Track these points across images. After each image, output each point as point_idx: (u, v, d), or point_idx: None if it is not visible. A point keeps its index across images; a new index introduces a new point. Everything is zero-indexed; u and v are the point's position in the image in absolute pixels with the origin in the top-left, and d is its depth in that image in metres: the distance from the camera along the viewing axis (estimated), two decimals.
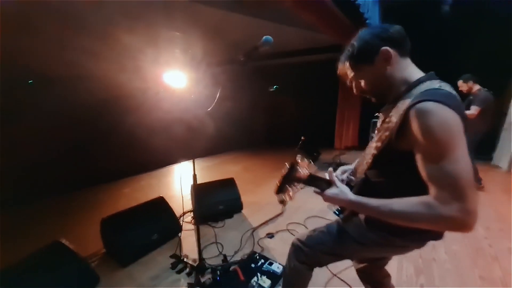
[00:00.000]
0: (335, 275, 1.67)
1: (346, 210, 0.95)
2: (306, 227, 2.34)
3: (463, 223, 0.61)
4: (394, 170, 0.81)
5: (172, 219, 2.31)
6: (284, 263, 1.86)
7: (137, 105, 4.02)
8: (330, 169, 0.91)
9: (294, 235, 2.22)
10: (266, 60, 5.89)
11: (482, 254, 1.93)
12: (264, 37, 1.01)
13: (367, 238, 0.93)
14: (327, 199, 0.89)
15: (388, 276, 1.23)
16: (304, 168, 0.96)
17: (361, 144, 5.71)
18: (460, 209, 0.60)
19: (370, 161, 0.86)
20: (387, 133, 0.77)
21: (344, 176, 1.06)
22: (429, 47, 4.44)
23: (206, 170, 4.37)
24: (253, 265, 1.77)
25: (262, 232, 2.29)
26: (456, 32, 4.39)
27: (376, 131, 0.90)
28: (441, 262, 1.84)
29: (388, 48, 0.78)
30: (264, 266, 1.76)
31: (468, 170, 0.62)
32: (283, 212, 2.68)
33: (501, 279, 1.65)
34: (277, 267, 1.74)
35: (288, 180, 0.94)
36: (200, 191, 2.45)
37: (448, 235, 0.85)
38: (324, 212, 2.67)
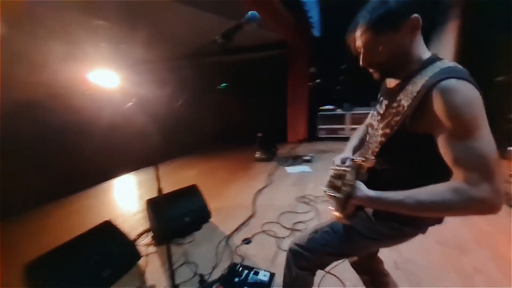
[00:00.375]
0: (328, 272, 1.63)
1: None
2: (282, 225, 2.26)
3: (493, 204, 0.58)
4: (405, 156, 0.76)
5: (126, 246, 1.88)
6: (268, 267, 1.76)
7: (63, 107, 3.21)
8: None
9: (272, 236, 2.11)
10: (214, 57, 5.64)
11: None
12: (249, 12, 0.83)
13: (377, 232, 0.87)
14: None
15: (382, 262, 1.23)
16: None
17: (310, 136, 6.09)
18: (491, 190, 0.57)
19: (377, 149, 0.80)
20: (397, 118, 0.72)
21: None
22: None
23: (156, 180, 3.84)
24: (237, 279, 1.58)
25: (237, 239, 2.10)
26: None
27: (378, 117, 0.84)
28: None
29: (419, 16, 0.68)
30: (250, 277, 1.59)
31: (494, 148, 0.60)
32: (254, 213, 2.54)
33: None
34: (263, 275, 1.59)
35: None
36: (158, 204, 2.09)
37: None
38: (295, 206, 2.66)
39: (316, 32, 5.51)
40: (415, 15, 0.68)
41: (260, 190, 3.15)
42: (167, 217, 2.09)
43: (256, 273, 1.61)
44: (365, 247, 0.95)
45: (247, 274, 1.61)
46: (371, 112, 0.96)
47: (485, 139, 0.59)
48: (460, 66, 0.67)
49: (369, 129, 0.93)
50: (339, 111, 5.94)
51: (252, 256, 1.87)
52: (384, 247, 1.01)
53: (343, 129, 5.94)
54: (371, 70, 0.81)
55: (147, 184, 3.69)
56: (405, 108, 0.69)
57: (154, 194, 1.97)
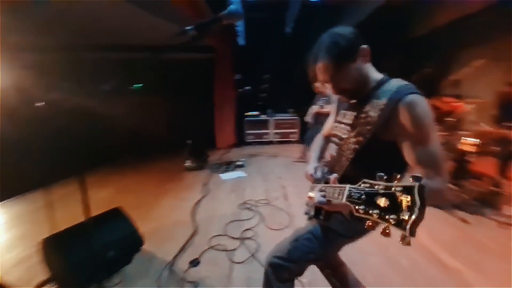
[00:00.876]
0: None
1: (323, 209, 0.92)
2: (230, 237, 2.13)
3: (444, 192, 0.75)
4: (375, 160, 0.83)
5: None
6: (225, 284, 1.58)
7: None
8: (335, 175, 0.79)
9: (222, 250, 1.95)
10: (125, 53, 4.83)
11: None
12: (231, 6, 0.71)
13: (352, 230, 0.94)
14: (334, 208, 0.81)
15: (338, 253, 1.34)
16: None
17: (239, 141, 6.18)
18: (442, 181, 0.73)
19: (351, 156, 0.86)
20: (368, 127, 0.81)
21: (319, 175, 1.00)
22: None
23: (55, 207, 2.83)
24: None
25: (183, 263, 1.81)
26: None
27: (348, 127, 0.91)
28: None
29: (367, 46, 0.82)
30: None
31: (441, 148, 0.76)
32: (197, 229, 2.29)
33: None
34: None
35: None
36: (62, 242, 1.55)
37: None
38: (238, 213, 2.59)
39: (241, 40, 5.68)
40: (364, 46, 0.82)
41: (197, 202, 2.88)
42: (80, 257, 1.56)
43: None
44: (342, 245, 1.00)
45: None
46: (335, 124, 1.02)
47: (436, 141, 0.75)
48: (409, 83, 0.81)
49: (336, 139, 0.98)
50: (263, 117, 6.33)
51: (206, 278, 1.65)
52: (354, 241, 1.09)
53: (267, 133, 6.36)
54: (340, 96, 0.93)
55: (33, 217, 2.68)
56: (375, 119, 0.78)
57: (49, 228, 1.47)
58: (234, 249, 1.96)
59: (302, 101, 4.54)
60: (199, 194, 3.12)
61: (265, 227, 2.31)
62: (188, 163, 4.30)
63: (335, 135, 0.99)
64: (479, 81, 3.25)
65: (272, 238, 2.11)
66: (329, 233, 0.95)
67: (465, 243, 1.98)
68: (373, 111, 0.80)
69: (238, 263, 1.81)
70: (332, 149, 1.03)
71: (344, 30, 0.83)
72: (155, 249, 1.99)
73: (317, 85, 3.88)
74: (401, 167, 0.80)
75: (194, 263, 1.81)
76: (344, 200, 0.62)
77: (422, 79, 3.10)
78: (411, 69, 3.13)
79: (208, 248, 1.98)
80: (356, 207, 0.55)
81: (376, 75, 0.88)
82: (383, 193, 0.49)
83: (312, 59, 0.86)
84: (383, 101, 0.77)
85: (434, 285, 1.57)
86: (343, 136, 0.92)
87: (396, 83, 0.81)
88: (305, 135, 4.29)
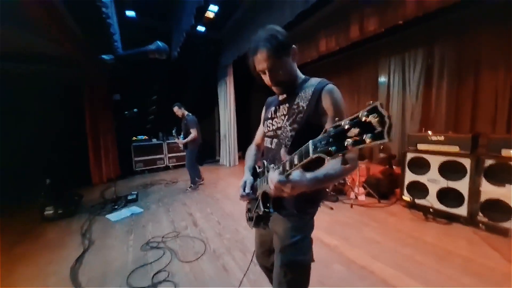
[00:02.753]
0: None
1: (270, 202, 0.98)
2: None
3: (356, 168, 1.03)
4: (301, 139, 0.88)
5: None
6: None
7: None
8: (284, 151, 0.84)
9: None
10: None
11: None
12: (157, 41, 0.70)
13: (309, 212, 1.06)
14: (294, 186, 0.79)
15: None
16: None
17: (125, 172, 5.25)
18: (355, 158, 0.89)
19: (290, 142, 0.98)
20: (301, 115, 0.96)
21: (248, 189, 1.09)
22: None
23: None
24: None
25: None
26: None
27: (283, 117, 1.04)
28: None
29: (296, 46, 0.98)
30: None
31: None
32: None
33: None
34: None
35: None
36: None
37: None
38: (143, 257, 2.19)
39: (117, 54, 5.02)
40: (294, 46, 0.98)
41: (78, 260, 2.17)
42: None
43: None
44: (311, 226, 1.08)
45: None
46: (267, 122, 1.14)
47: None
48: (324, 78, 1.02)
49: (271, 133, 1.11)
50: (155, 141, 5.78)
51: None
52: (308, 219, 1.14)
53: (161, 159, 5.83)
54: (275, 88, 1.03)
55: None
56: (305, 108, 0.96)
57: None
58: None
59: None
60: (78, 249, 2.36)
61: (179, 262, 2.10)
62: (49, 211, 3.14)
63: (270, 130, 1.11)
64: None
65: (191, 272, 1.96)
66: (292, 218, 1.03)
67: (335, 224, 2.72)
68: (302, 101, 0.97)
69: None
70: (267, 143, 1.13)
71: (278, 29, 0.96)
72: None
73: (175, 109, 4.04)
74: None
75: None
76: (312, 155, 0.65)
77: None
78: None
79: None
80: (329, 149, 0.59)
81: (300, 74, 1.05)
82: (350, 125, 0.56)
83: (251, 51, 0.95)
84: (309, 93, 0.96)
85: (325, 262, 2.04)
86: (279, 125, 1.05)
87: (315, 79, 1.01)
88: (186, 161, 4.24)
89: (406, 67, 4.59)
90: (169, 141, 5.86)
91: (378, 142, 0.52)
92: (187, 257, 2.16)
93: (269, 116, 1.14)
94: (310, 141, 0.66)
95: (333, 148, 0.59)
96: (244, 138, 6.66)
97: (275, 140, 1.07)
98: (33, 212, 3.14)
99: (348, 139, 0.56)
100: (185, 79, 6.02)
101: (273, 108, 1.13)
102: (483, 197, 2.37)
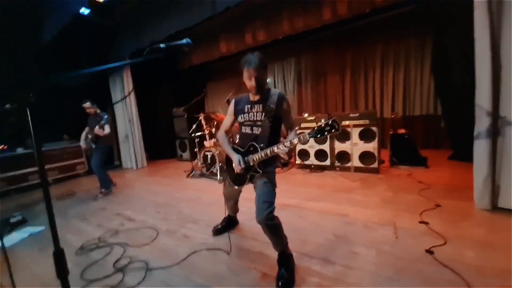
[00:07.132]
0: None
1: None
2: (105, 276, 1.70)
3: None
4: (275, 129, 1.61)
5: None
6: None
7: None
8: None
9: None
10: None
11: None
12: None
13: (274, 177, 1.66)
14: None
15: None
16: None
17: None
18: (295, 131, 1.64)
19: (269, 130, 1.55)
20: (272, 113, 1.53)
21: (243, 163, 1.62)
22: None
23: None
24: None
25: None
26: None
27: (259, 113, 1.57)
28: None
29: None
30: None
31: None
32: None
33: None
34: None
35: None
36: None
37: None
38: (85, 259, 1.99)
39: None
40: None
41: None
42: None
43: None
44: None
45: None
46: (245, 116, 1.63)
47: (291, 116, 1.68)
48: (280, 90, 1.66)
49: (250, 123, 1.62)
50: (20, 151, 4.37)
51: None
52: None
53: (33, 173, 4.49)
54: (256, 90, 1.53)
55: None
56: (274, 108, 1.54)
57: None
58: (120, 281, 1.67)
59: (76, 125, 4.06)
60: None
61: (136, 248, 2.08)
62: None
63: (248, 120, 1.62)
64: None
65: (154, 249, 2.06)
66: (269, 175, 1.61)
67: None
68: (271, 104, 1.53)
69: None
70: (247, 130, 1.64)
71: (258, 53, 1.47)
72: None
73: (87, 105, 3.55)
74: (280, 130, 1.65)
75: None
76: (308, 138, 1.35)
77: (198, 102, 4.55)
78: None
79: None
80: (318, 136, 1.31)
81: (266, 85, 1.62)
82: (325, 125, 1.30)
83: (247, 65, 1.44)
84: (275, 99, 1.53)
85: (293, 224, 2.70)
86: (258, 118, 1.57)
87: (275, 89, 1.59)
88: (93, 162, 3.63)
89: (285, 71, 6.19)
90: (48, 148, 4.63)
91: (337, 132, 1.29)
92: (142, 242, 2.18)
93: (245, 111, 1.64)
94: (306, 132, 1.35)
95: (318, 135, 1.32)
96: (152, 137, 6.29)
97: (256, 128, 1.60)
98: None
99: (325, 133, 1.30)
100: (62, 69, 4.89)
101: (248, 106, 1.63)
102: (336, 151, 3.91)
